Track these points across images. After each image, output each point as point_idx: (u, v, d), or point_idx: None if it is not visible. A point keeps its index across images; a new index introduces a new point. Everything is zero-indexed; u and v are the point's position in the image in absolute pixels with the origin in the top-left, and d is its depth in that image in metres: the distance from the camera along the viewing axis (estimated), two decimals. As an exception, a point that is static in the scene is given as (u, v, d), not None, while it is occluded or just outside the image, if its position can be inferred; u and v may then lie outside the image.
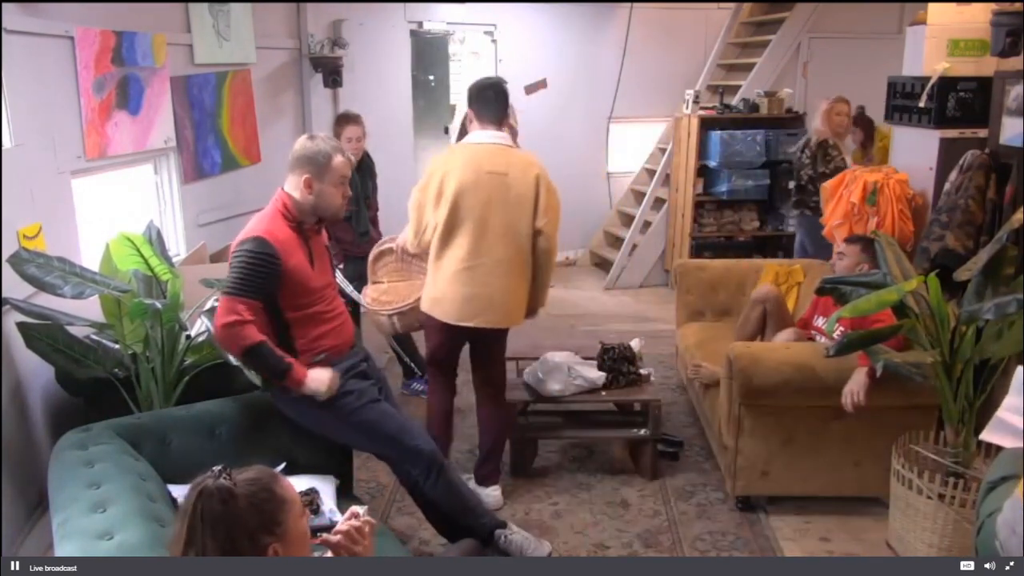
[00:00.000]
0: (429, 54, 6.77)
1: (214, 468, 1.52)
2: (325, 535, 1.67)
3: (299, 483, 2.31)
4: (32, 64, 3.05)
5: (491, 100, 3.15)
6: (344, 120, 4.24)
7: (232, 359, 2.73)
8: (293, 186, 2.54)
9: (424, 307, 3.20)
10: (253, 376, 2.67)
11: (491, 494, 3.30)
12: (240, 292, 2.40)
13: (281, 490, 1.55)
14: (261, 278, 2.41)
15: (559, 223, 3.15)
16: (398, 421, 2.67)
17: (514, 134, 5.09)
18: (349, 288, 3.81)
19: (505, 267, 3.08)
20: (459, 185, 3.03)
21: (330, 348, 2.59)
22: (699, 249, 6.36)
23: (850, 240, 3.54)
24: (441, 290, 3.12)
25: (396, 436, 2.62)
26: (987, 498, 1.44)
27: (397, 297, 3.47)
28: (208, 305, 3.05)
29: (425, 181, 3.14)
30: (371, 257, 3.74)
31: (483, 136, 3.16)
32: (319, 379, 2.48)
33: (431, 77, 6.78)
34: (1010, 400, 1.43)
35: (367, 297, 3.64)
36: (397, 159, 6.06)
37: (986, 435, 1.47)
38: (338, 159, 2.53)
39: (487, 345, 3.27)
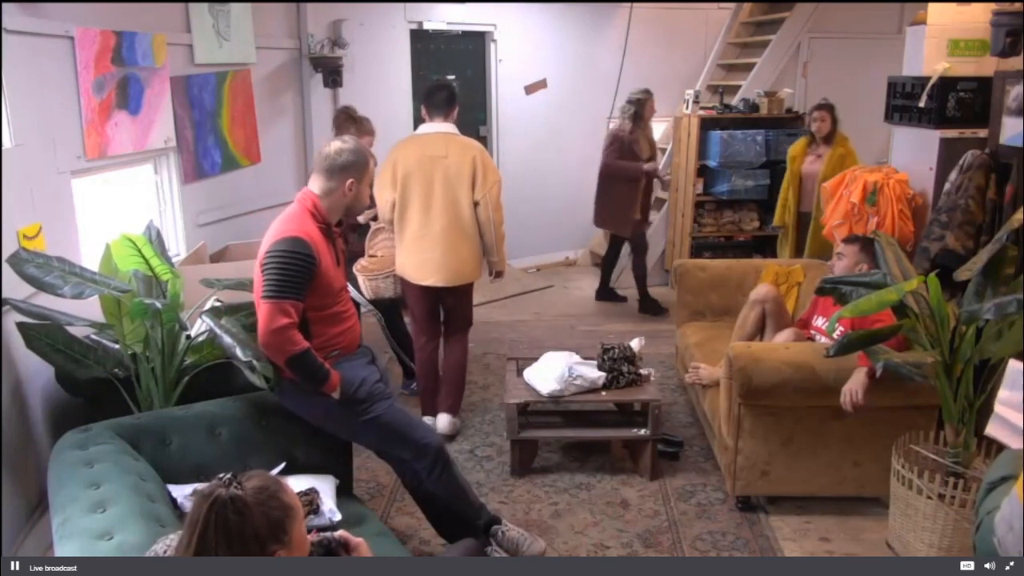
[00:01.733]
0: (452, 54, 6.73)
1: (222, 476, 1.49)
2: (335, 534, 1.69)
3: (299, 483, 2.31)
4: (32, 64, 3.05)
5: (439, 99, 3.74)
6: (363, 131, 4.24)
7: (236, 358, 2.71)
8: (327, 190, 2.58)
9: (396, 269, 3.84)
10: (254, 377, 2.66)
11: (445, 419, 3.87)
12: (287, 294, 2.41)
13: (287, 498, 1.54)
14: (303, 278, 2.43)
15: (499, 196, 3.70)
16: (406, 416, 2.73)
17: (649, 116, 5.82)
18: (351, 290, 3.83)
19: (449, 234, 3.66)
20: (406, 169, 3.64)
21: (343, 347, 2.64)
22: (699, 249, 6.35)
23: (848, 240, 3.53)
24: (404, 255, 3.76)
25: (406, 432, 2.68)
26: (987, 498, 1.45)
27: (381, 265, 4.04)
28: (208, 305, 3.05)
29: (383, 167, 3.71)
30: (368, 234, 4.14)
31: (430, 127, 3.75)
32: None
33: (451, 77, 6.71)
34: (1003, 394, 1.43)
35: (359, 265, 4.08)
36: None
37: (989, 430, 1.48)
38: (371, 160, 2.72)
39: (451, 300, 3.85)
